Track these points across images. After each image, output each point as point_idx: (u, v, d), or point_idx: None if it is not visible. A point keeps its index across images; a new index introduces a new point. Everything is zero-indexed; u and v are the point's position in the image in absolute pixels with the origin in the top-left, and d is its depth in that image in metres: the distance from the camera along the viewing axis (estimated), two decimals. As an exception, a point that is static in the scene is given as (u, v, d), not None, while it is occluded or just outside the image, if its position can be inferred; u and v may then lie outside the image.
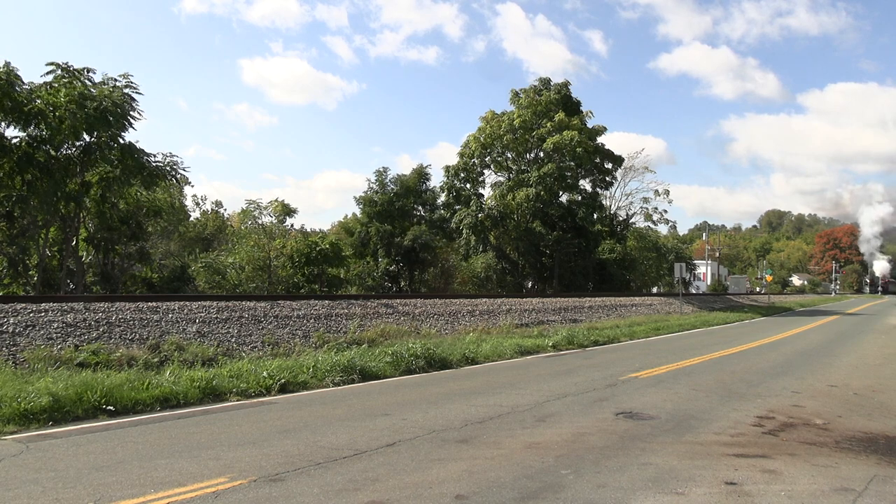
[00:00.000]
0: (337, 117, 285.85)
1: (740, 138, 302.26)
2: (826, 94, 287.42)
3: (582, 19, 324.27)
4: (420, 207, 43.03)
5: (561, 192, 41.41)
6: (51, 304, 13.16)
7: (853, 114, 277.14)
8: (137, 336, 12.75)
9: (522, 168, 41.99)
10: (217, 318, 14.81)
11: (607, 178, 43.97)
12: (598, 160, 41.98)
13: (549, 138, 38.41)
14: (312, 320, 16.53)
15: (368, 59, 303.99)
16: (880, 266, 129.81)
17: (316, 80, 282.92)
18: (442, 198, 43.52)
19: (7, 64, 19.04)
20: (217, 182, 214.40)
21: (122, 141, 21.51)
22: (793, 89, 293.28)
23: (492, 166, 43.44)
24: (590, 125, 41.95)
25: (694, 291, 65.56)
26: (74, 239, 23.44)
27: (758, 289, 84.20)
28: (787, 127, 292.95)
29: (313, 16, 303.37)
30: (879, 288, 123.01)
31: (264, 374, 10.49)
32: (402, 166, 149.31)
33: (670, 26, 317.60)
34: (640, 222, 48.42)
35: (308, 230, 46.93)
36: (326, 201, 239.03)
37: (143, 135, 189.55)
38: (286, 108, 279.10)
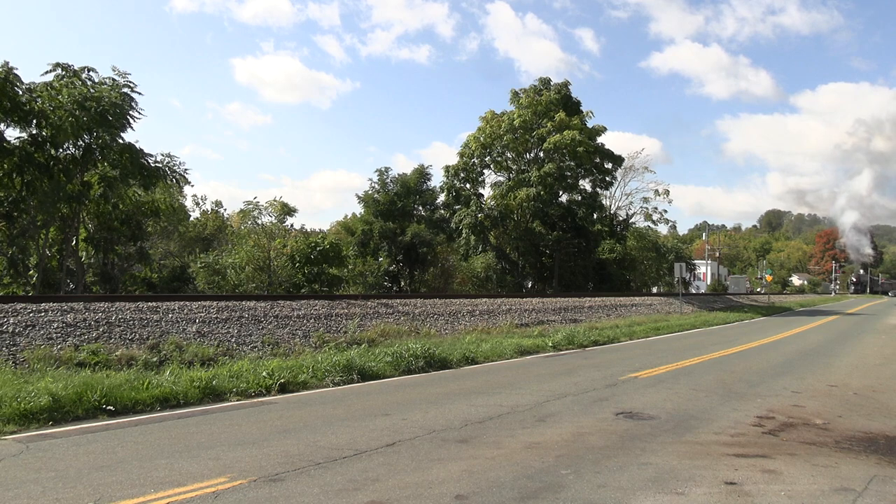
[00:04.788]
0: (332, 116, 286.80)
1: (735, 138, 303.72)
2: (819, 95, 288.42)
3: (572, 17, 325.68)
4: (420, 207, 43.08)
5: (561, 192, 41.36)
6: (51, 304, 13.15)
7: (849, 113, 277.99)
8: (137, 336, 12.75)
9: (522, 168, 41.95)
10: (217, 318, 14.81)
11: (607, 178, 43.90)
12: (598, 160, 41.92)
13: (550, 138, 38.38)
14: (312, 320, 16.52)
15: (360, 58, 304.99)
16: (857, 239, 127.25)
17: (308, 79, 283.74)
18: (442, 198, 43.55)
19: (6, 64, 19.02)
20: (214, 182, 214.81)
21: (121, 141, 21.52)
22: (786, 88, 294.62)
23: (492, 166, 43.40)
24: (589, 125, 41.95)
25: (694, 291, 65.55)
26: (74, 239, 23.43)
27: (758, 289, 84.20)
28: (782, 126, 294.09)
29: (306, 15, 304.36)
30: (880, 288, 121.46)
31: (264, 373, 10.49)
32: (398, 166, 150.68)
33: (662, 25, 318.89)
34: (639, 222, 48.37)
35: (308, 230, 46.96)
36: (324, 201, 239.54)
37: (139, 134, 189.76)
38: (280, 107, 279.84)
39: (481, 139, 41.24)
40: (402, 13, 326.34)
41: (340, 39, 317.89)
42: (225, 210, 51.17)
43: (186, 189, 42.57)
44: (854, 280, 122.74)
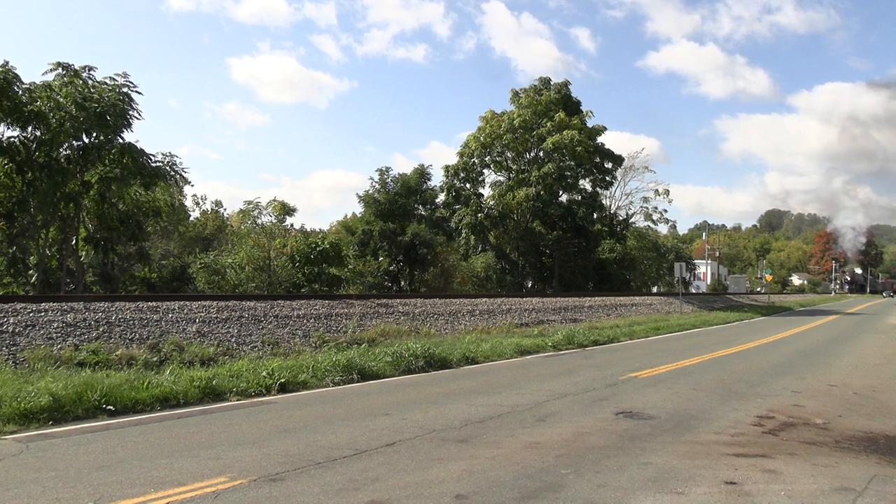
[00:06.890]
0: (330, 116, 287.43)
1: (734, 137, 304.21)
2: (816, 95, 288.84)
3: (568, 16, 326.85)
4: (420, 207, 43.10)
5: (561, 192, 41.36)
6: (51, 304, 13.15)
7: (845, 112, 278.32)
8: (137, 336, 12.74)
9: (522, 168, 41.95)
10: (217, 317, 14.80)
11: (607, 178, 43.90)
12: (597, 160, 41.92)
13: (550, 138, 38.37)
14: (312, 320, 16.52)
15: (356, 57, 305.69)
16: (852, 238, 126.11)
17: (306, 78, 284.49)
18: (441, 197, 43.55)
19: (6, 63, 19.01)
20: (213, 182, 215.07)
21: (121, 141, 21.51)
22: (783, 88, 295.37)
23: (492, 166, 43.41)
24: (589, 125, 41.94)
25: (694, 291, 65.54)
26: (74, 239, 23.42)
27: (758, 288, 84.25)
28: (780, 126, 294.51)
29: (303, 14, 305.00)
30: (880, 287, 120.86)
31: (264, 373, 10.48)
32: (397, 166, 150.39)
33: (658, 24, 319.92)
34: (639, 222, 48.37)
35: (308, 230, 46.96)
36: (323, 201, 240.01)
37: (138, 134, 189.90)
38: (278, 106, 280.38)
39: (481, 139, 41.23)
40: (399, 13, 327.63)
41: (337, 39, 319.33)
42: (225, 210, 51.18)
43: (186, 189, 42.56)
44: (849, 279, 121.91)
